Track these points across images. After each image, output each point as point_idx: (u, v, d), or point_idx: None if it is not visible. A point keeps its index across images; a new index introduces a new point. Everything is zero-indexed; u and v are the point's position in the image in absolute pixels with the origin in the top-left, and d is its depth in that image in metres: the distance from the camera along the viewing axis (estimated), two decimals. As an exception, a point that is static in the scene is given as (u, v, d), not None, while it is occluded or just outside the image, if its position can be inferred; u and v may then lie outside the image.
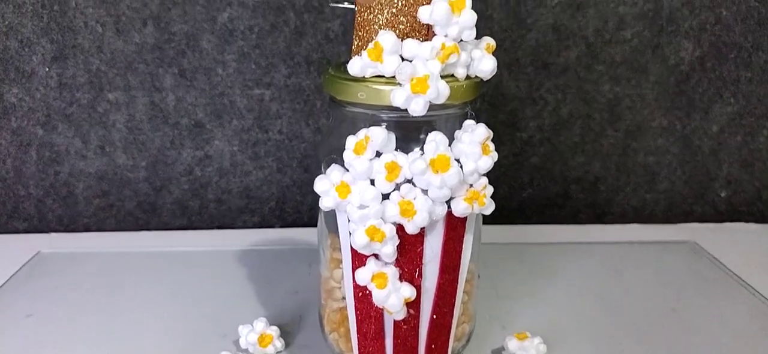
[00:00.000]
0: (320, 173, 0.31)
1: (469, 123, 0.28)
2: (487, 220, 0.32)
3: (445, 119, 0.28)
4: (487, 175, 0.28)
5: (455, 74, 0.28)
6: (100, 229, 0.55)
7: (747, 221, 0.57)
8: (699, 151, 0.56)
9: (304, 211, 0.56)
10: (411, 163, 0.26)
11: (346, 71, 0.28)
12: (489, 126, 0.28)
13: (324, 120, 0.53)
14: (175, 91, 0.52)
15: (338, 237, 0.30)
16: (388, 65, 0.26)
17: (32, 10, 0.49)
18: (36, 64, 0.50)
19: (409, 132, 0.28)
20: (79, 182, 0.54)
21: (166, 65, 0.51)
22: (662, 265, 0.48)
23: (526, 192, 0.57)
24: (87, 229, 0.55)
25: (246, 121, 0.53)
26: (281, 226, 0.56)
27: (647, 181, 0.57)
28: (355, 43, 0.28)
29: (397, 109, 0.26)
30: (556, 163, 0.56)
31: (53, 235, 0.53)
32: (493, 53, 0.29)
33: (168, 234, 0.53)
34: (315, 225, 0.56)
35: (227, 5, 0.50)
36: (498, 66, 0.29)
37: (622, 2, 0.52)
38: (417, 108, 0.26)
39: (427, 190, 0.27)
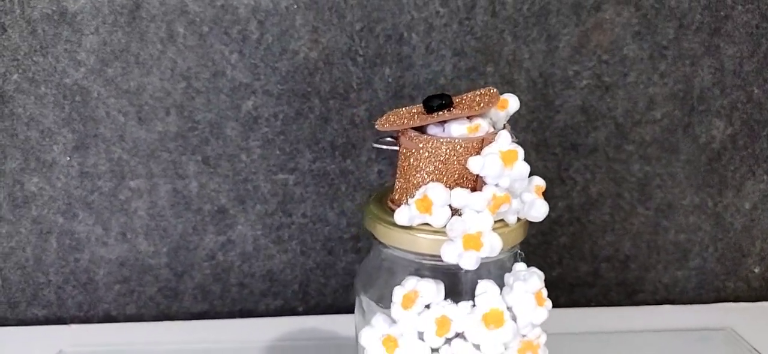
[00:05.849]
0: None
1: (519, 268, 0.27)
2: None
3: (495, 264, 0.27)
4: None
5: (505, 220, 0.27)
6: (120, 314, 0.54)
7: (781, 298, 0.56)
8: (731, 228, 0.55)
9: (327, 293, 0.55)
10: (462, 317, 0.25)
11: (387, 208, 0.27)
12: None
13: (348, 203, 0.52)
14: (198, 178, 0.51)
15: None
16: (438, 218, 0.25)
17: (54, 100, 0.49)
18: (57, 154, 0.50)
19: (457, 276, 0.27)
20: (100, 269, 0.53)
21: (190, 153, 0.50)
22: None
23: (555, 271, 0.55)
24: (107, 315, 0.54)
25: (269, 205, 0.52)
26: (304, 309, 0.55)
27: (678, 258, 0.55)
28: (399, 183, 0.27)
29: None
30: (585, 242, 0.55)
31: (73, 326, 0.52)
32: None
33: (189, 324, 0.52)
34: (338, 310, 0.54)
35: (252, 93, 0.49)
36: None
37: (652, 83, 0.51)
38: (469, 264, 0.25)
39: (479, 345, 0.26)
